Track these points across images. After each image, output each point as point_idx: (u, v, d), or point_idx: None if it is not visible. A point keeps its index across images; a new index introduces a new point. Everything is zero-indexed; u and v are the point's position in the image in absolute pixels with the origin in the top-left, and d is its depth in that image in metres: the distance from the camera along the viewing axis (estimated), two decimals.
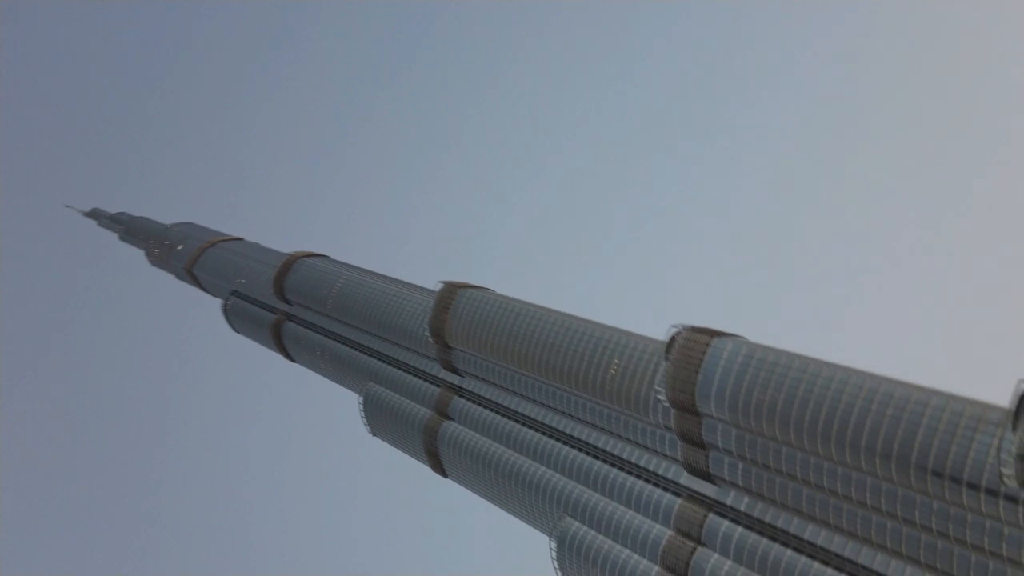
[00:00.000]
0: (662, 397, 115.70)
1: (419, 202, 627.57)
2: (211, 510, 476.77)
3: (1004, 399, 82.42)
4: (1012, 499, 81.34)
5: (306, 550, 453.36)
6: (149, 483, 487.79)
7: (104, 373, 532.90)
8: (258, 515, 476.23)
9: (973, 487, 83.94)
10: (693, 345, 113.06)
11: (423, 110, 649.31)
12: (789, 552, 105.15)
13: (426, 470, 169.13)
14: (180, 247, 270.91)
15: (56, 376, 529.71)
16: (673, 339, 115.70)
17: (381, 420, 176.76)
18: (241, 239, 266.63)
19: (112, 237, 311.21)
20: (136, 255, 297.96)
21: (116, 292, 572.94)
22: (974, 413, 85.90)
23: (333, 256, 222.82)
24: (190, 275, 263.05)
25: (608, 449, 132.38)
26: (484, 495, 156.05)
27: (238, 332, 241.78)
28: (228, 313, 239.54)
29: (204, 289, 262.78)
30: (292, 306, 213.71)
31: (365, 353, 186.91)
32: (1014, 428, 79.92)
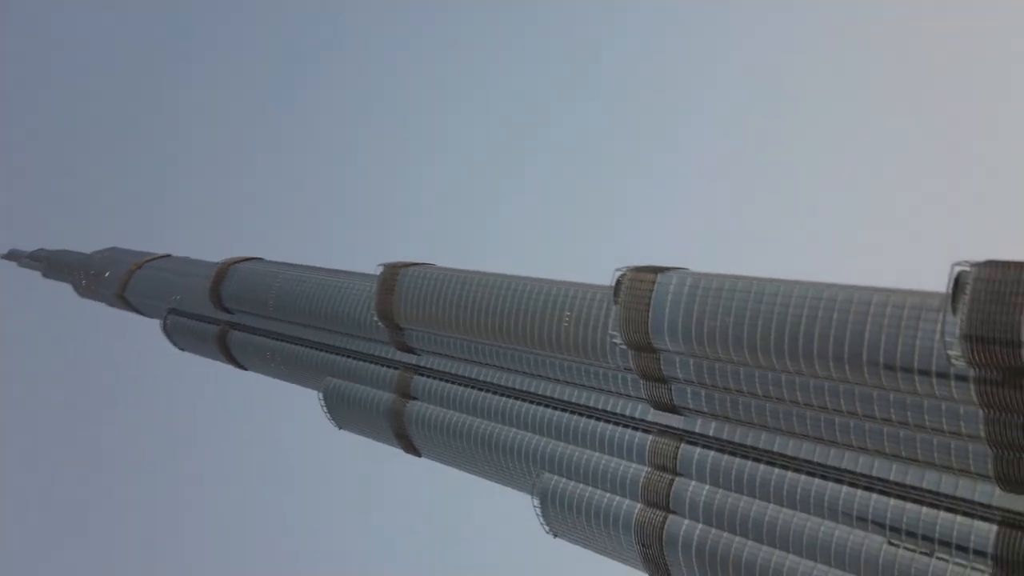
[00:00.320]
0: (618, 340, 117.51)
1: (342, 188, 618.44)
2: (192, 530, 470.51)
3: (941, 285, 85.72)
4: (962, 378, 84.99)
5: (297, 555, 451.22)
6: (121, 516, 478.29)
7: (53, 417, 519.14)
8: (241, 529, 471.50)
9: (924, 373, 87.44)
10: (639, 285, 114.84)
11: (320, 95, 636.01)
12: (762, 466, 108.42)
13: (398, 453, 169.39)
14: (107, 274, 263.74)
15: (4, 430, 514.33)
16: (619, 282, 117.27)
17: (345, 412, 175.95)
18: (169, 255, 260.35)
19: (36, 275, 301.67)
20: (64, 290, 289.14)
21: (50, 331, 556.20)
22: (915, 303, 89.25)
23: (266, 257, 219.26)
24: (122, 301, 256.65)
25: (574, 400, 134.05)
26: (460, 467, 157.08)
27: (183, 350, 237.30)
28: (169, 332, 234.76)
29: (140, 312, 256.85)
30: (233, 314, 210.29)
31: (316, 349, 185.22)
32: (954, 311, 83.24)
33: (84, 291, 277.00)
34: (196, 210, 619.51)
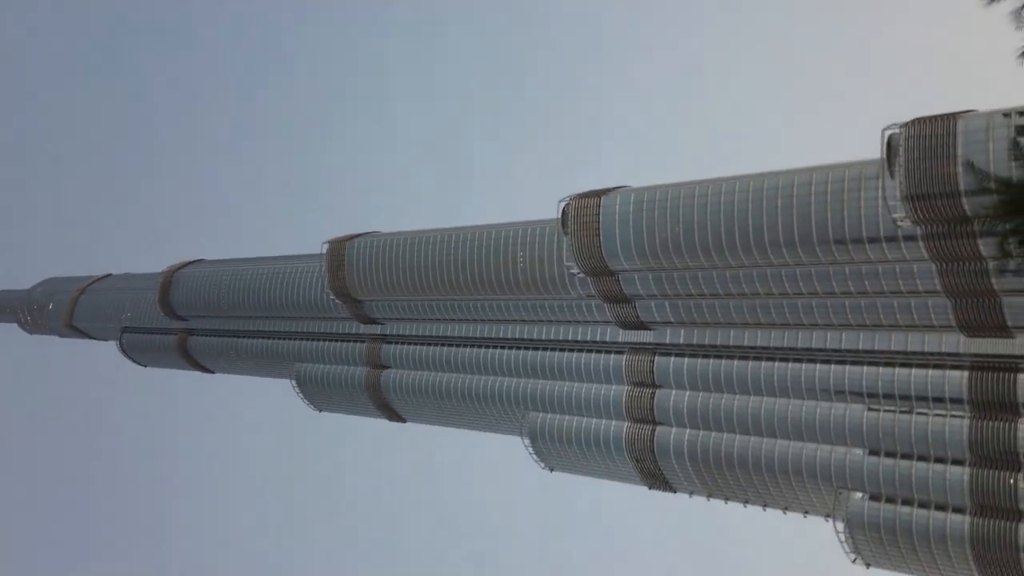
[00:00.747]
0: (575, 270, 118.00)
1: (265, 174, 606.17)
2: (196, 536, 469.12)
3: (875, 152, 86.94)
4: (911, 238, 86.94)
5: (300, 540, 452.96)
6: (123, 540, 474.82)
7: (31, 458, 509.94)
8: (242, 529, 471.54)
9: (874, 240, 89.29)
10: (584, 211, 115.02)
11: (214, 84, 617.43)
12: (736, 362, 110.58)
13: (383, 423, 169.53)
14: (51, 306, 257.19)
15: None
16: (565, 212, 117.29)
17: (321, 395, 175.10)
18: (109, 275, 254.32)
19: None
20: (10, 330, 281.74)
21: (5, 374, 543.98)
22: (853, 174, 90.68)
23: (207, 257, 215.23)
24: (72, 329, 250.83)
25: (544, 337, 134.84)
26: (446, 423, 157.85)
27: (146, 365, 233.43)
28: (127, 351, 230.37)
29: (92, 337, 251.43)
30: (188, 320, 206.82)
31: (280, 338, 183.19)
32: (892, 175, 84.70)
33: (31, 327, 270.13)
34: (120, 225, 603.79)
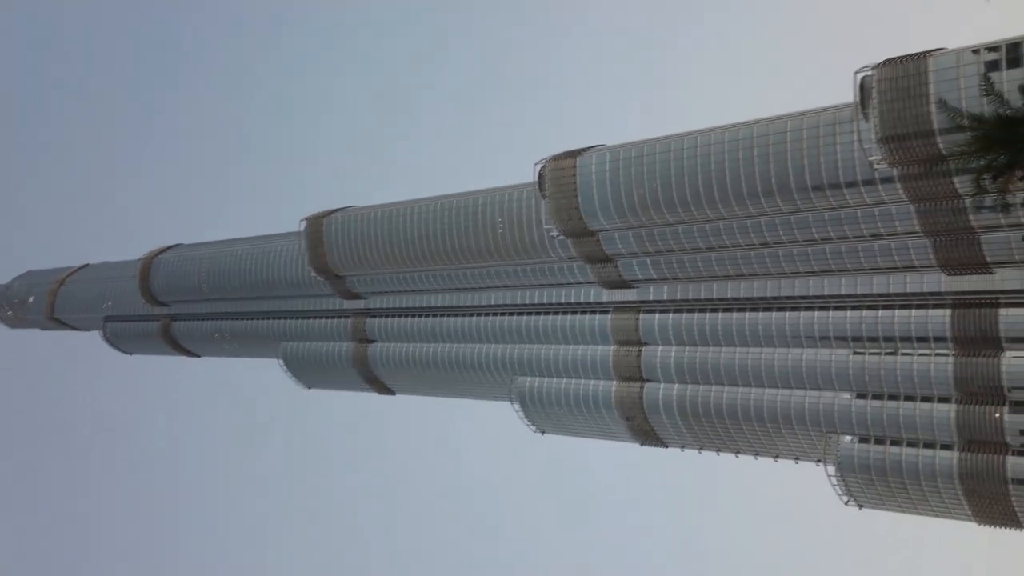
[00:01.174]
0: (554, 233, 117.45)
1: (237, 154, 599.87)
2: (204, 525, 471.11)
3: (848, 96, 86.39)
4: (888, 180, 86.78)
5: (304, 520, 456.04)
6: (132, 529, 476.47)
7: (19, 458, 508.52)
8: (247, 516, 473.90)
9: (851, 184, 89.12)
10: (560, 173, 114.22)
11: (174, 69, 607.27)
12: (720, 314, 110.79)
13: (373, 397, 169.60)
14: (31, 299, 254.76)
15: None
16: (541, 175, 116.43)
17: (309, 372, 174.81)
18: (87, 265, 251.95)
19: None
20: None
21: None
22: (827, 119, 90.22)
23: (184, 241, 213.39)
24: (55, 322, 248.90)
25: (528, 301, 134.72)
26: (435, 393, 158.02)
27: (131, 353, 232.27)
28: (111, 340, 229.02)
29: (76, 328, 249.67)
30: (170, 306, 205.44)
31: (264, 318, 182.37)
32: (866, 117, 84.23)
33: (12, 321, 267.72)
34: (91, 214, 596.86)
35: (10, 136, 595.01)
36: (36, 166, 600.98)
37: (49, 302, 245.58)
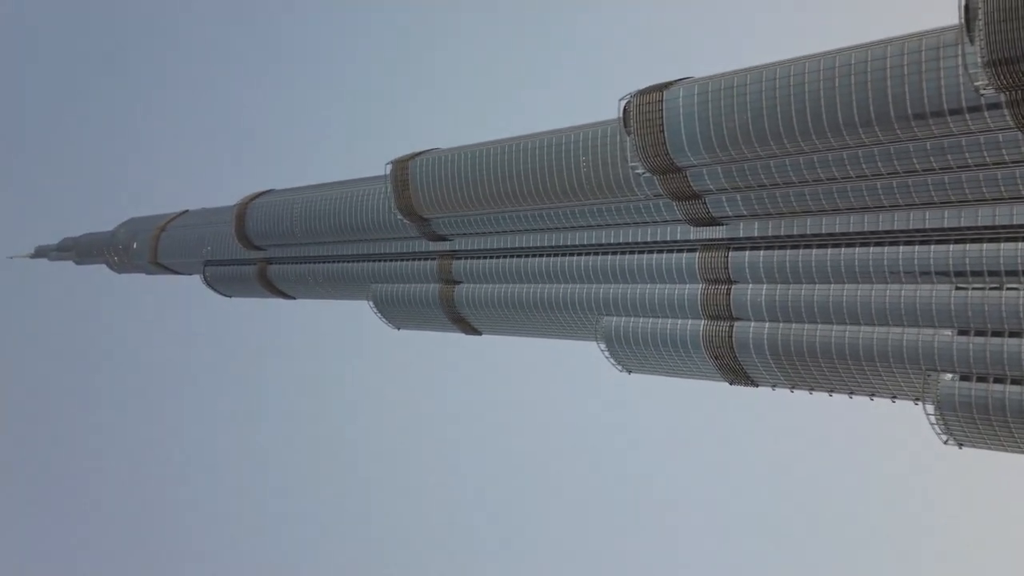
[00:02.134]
0: (640, 170, 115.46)
1: (323, 99, 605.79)
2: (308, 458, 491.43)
3: (952, 18, 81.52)
4: (994, 106, 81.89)
5: (396, 463, 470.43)
6: (238, 466, 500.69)
7: (138, 398, 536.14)
8: (344, 447, 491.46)
9: (956, 112, 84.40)
10: (647, 107, 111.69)
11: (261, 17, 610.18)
12: (814, 251, 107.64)
13: (460, 337, 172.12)
14: (135, 245, 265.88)
15: (107, 416, 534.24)
16: (626, 110, 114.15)
17: (398, 313, 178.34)
18: (186, 211, 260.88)
19: (69, 265, 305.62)
20: (99, 271, 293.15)
21: (100, 314, 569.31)
22: (930, 43, 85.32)
23: (276, 187, 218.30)
24: (158, 266, 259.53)
25: (614, 241, 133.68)
26: (521, 333, 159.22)
27: (231, 296, 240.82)
28: (211, 284, 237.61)
29: (178, 272, 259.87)
30: (265, 250, 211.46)
31: (354, 261, 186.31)
32: (971, 40, 79.32)
33: (119, 267, 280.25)
34: (193, 157, 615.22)
35: (109, 90, 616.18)
36: (136, 119, 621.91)
37: (152, 247, 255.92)
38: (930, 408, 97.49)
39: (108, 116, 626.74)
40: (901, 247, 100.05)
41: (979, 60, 78.58)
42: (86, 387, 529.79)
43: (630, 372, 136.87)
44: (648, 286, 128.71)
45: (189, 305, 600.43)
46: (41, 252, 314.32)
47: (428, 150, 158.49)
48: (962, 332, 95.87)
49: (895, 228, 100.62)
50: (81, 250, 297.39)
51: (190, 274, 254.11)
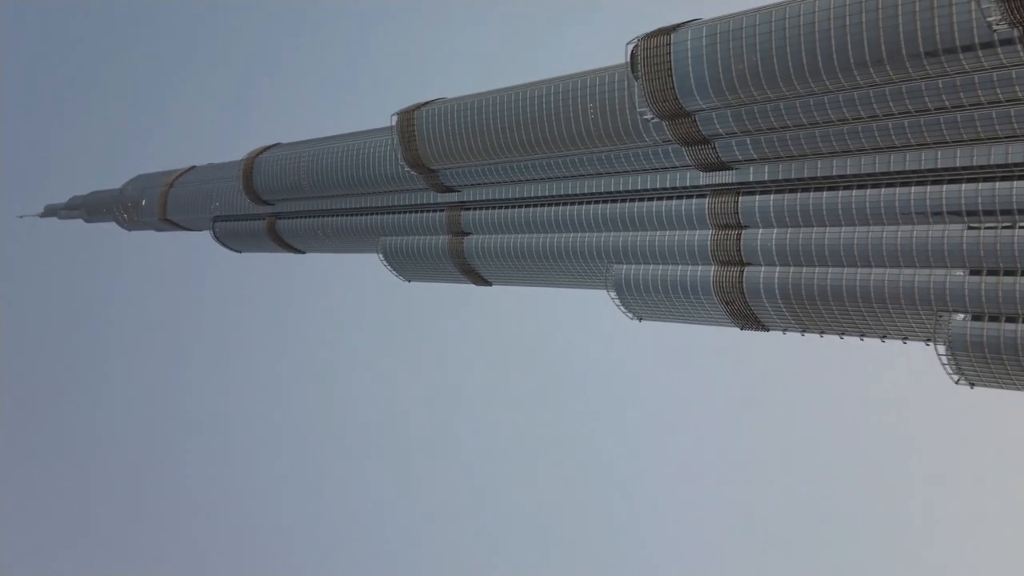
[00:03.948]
0: (648, 115, 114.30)
1: (324, 51, 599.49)
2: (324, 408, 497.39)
3: None
4: (1008, 42, 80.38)
5: (412, 413, 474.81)
6: (258, 419, 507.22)
7: (156, 354, 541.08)
8: (356, 394, 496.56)
9: (968, 49, 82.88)
10: (654, 51, 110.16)
11: None
12: (825, 193, 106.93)
13: (471, 288, 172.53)
14: (144, 202, 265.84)
15: (117, 376, 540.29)
16: (633, 55, 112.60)
17: (407, 265, 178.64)
18: (193, 167, 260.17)
19: (79, 224, 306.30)
20: (109, 229, 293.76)
21: (111, 271, 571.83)
22: None
23: (283, 141, 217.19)
24: (168, 223, 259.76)
25: (622, 188, 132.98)
26: (531, 283, 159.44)
27: (240, 251, 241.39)
28: (221, 239, 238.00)
29: (187, 228, 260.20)
30: (274, 204, 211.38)
31: (363, 214, 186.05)
32: None
33: (129, 223, 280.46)
34: (193, 115, 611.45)
35: (110, 49, 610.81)
36: (140, 75, 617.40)
37: (161, 204, 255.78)
38: (942, 348, 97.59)
39: (113, 73, 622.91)
40: (913, 187, 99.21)
41: None
42: (99, 345, 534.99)
43: (641, 320, 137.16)
44: (658, 233, 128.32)
45: (200, 261, 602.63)
46: (50, 211, 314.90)
47: (433, 100, 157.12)
48: (974, 272, 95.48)
49: (907, 168, 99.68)
50: (90, 208, 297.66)
51: (200, 230, 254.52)
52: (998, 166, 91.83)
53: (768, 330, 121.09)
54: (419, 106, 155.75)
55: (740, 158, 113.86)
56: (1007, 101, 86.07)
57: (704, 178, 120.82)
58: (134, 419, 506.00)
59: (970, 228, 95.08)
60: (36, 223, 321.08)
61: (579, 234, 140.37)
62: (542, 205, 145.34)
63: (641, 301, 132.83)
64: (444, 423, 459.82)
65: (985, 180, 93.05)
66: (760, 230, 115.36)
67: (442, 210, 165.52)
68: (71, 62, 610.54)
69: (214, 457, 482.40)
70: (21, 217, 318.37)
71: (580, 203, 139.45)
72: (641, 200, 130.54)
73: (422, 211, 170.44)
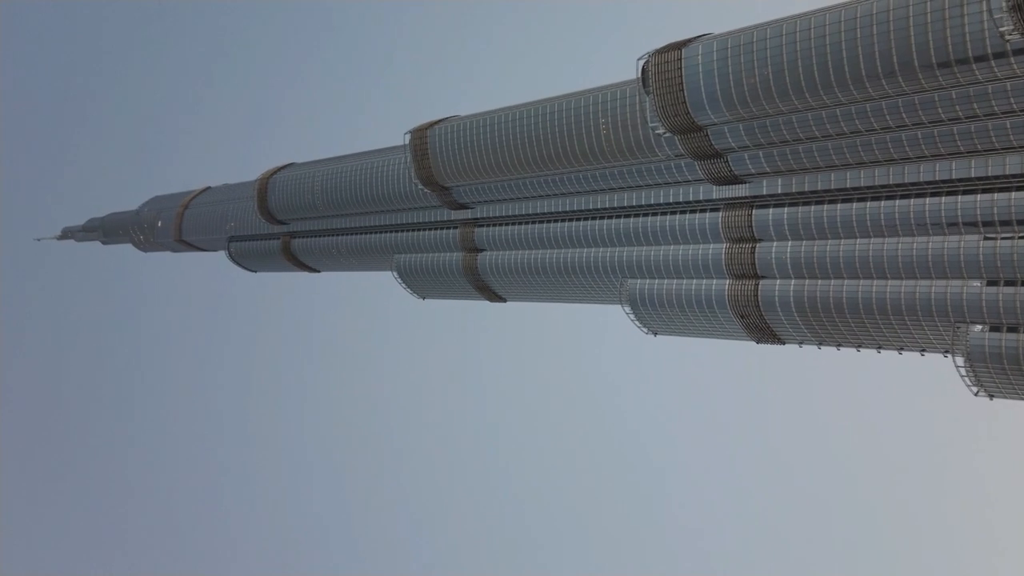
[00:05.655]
0: (660, 130, 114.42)
1: (335, 70, 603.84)
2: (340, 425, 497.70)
3: None
4: (1021, 52, 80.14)
5: (430, 430, 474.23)
6: (274, 433, 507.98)
7: (173, 374, 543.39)
8: (374, 412, 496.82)
9: (981, 59, 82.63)
10: (666, 66, 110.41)
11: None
12: (839, 205, 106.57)
13: (485, 305, 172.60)
14: (159, 223, 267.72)
15: (135, 396, 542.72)
16: (645, 70, 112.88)
17: (422, 282, 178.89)
18: (208, 188, 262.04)
19: (96, 245, 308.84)
20: (126, 250, 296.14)
21: (128, 293, 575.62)
22: None
23: (297, 160, 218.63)
24: (183, 244, 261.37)
25: (635, 203, 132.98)
26: (545, 299, 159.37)
27: (256, 271, 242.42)
28: (237, 259, 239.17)
29: (203, 249, 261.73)
30: (288, 224, 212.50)
31: (377, 232, 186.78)
32: None
33: (145, 245, 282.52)
34: (208, 136, 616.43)
35: (126, 73, 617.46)
36: (156, 97, 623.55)
37: (176, 225, 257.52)
38: (960, 360, 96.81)
39: (129, 96, 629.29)
40: (928, 198, 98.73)
41: (1004, 4, 76.92)
42: (116, 366, 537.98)
43: (656, 334, 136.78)
44: (672, 247, 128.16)
45: (215, 281, 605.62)
46: (67, 233, 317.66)
47: (447, 118, 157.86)
48: (991, 283, 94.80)
49: (921, 180, 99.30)
50: (107, 230, 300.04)
51: (215, 250, 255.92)
52: (1013, 176, 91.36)
53: (784, 343, 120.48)
54: (432, 124, 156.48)
55: (753, 171, 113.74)
56: (1021, 111, 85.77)
57: (717, 192, 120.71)
58: (152, 440, 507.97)
59: (986, 239, 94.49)
60: (54, 245, 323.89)
61: (593, 249, 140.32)
62: (555, 221, 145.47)
63: (656, 316, 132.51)
64: (460, 439, 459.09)
65: (1001, 190, 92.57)
66: (774, 243, 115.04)
67: (456, 227, 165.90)
68: (87, 87, 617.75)
69: (227, 474, 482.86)
70: (39, 240, 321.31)
71: (594, 218, 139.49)
72: (655, 214, 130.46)
73: (436, 228, 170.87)
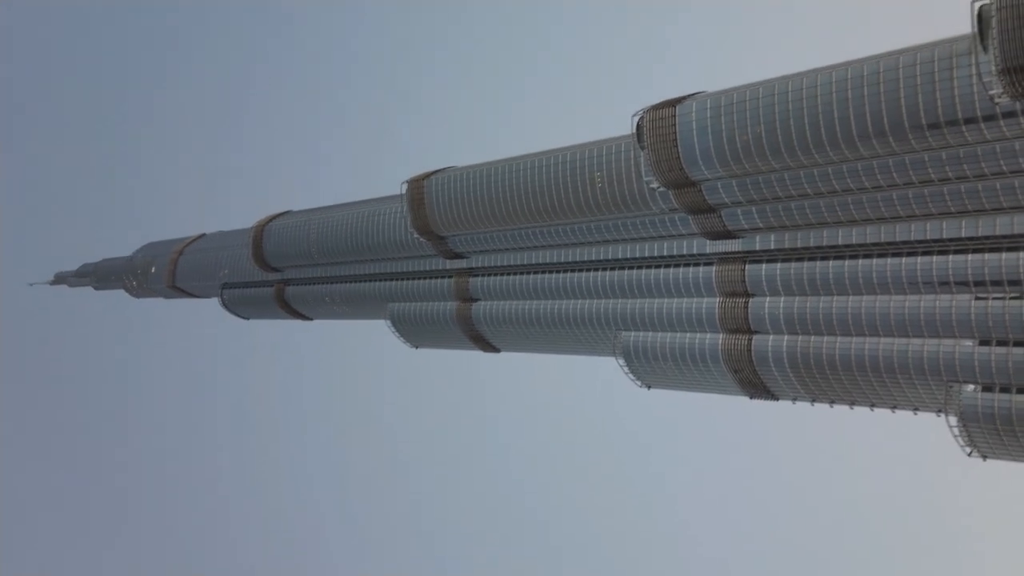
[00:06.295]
0: (655, 184, 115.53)
1: (338, 120, 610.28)
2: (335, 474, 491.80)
3: (965, 27, 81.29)
4: (1010, 114, 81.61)
5: (419, 480, 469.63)
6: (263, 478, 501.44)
7: (163, 420, 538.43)
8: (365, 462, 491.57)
9: (971, 121, 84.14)
10: (660, 122, 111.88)
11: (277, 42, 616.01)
12: (831, 262, 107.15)
13: (479, 355, 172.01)
14: (153, 269, 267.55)
15: (126, 441, 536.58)
16: (639, 126, 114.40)
17: (415, 331, 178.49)
18: (203, 235, 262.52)
19: (88, 291, 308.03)
20: (118, 296, 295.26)
21: (120, 339, 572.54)
22: (943, 52, 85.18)
23: (293, 208, 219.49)
24: (176, 290, 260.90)
25: (629, 256, 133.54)
26: (539, 350, 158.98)
27: (248, 319, 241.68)
28: (229, 306, 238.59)
29: (195, 295, 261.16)
30: (282, 271, 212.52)
31: (371, 280, 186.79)
32: (985, 49, 79.15)
33: (138, 291, 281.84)
34: (203, 183, 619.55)
35: (124, 115, 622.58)
36: (151, 143, 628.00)
37: (170, 271, 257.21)
38: (953, 420, 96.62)
39: (123, 141, 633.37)
40: (919, 257, 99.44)
41: (993, 68, 78.35)
42: (108, 413, 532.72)
43: (649, 387, 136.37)
44: (665, 300, 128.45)
45: (208, 328, 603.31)
46: (60, 278, 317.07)
47: (443, 168, 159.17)
48: (983, 342, 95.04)
49: (912, 239, 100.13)
50: (100, 276, 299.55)
51: (208, 297, 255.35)
52: (1004, 236, 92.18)
53: (778, 399, 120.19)
54: (429, 174, 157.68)
55: (746, 227, 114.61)
56: (1011, 172, 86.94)
57: (711, 246, 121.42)
58: (142, 487, 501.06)
59: (978, 298, 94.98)
60: (46, 290, 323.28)
61: (587, 301, 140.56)
62: (550, 272, 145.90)
63: (650, 368, 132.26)
64: (451, 490, 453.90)
65: (991, 250, 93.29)
66: (767, 298, 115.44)
67: (450, 276, 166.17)
68: (80, 132, 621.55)
69: (220, 520, 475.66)
70: (31, 285, 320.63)
71: (588, 270, 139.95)
72: (649, 267, 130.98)
73: (430, 277, 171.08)
